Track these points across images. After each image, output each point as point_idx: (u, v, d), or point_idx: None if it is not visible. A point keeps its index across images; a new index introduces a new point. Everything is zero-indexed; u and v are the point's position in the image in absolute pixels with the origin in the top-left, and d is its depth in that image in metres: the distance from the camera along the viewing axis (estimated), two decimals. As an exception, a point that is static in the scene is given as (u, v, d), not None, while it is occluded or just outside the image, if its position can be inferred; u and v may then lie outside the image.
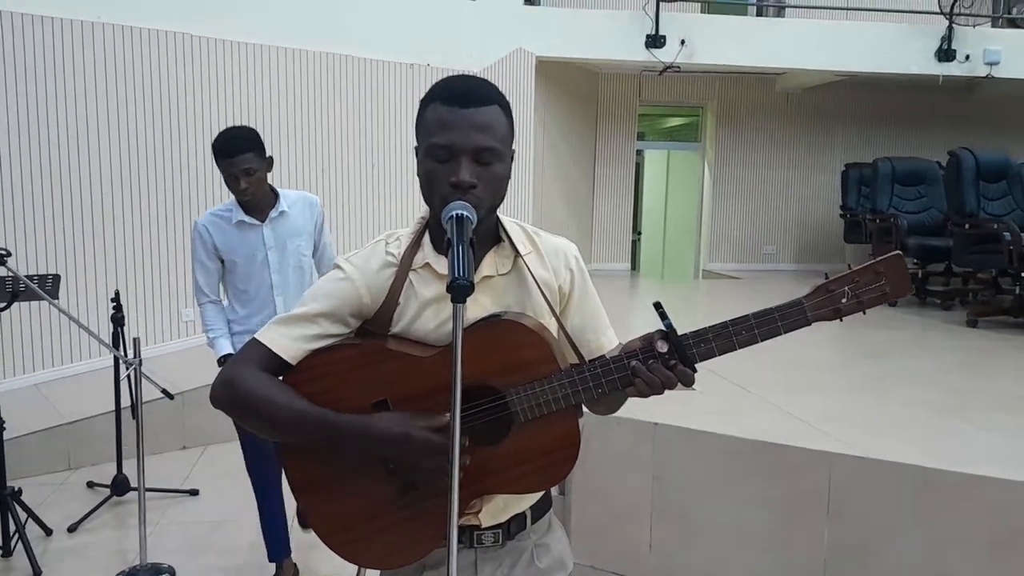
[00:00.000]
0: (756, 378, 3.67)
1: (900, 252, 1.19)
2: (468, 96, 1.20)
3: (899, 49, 7.75)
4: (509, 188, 1.28)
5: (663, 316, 1.19)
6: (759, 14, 8.99)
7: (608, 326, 1.39)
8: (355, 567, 1.46)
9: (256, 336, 1.28)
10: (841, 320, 1.19)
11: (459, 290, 1.02)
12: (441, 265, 1.26)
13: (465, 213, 1.13)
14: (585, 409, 1.32)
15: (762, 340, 1.19)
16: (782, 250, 9.47)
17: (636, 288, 8.34)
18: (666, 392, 1.22)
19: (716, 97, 9.37)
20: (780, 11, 8.83)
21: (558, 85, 7.94)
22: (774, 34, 7.96)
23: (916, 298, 6.53)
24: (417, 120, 1.25)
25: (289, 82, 5.65)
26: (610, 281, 8.30)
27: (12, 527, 3.18)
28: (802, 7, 8.45)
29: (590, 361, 1.25)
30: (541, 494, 1.36)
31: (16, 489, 3.25)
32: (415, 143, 1.27)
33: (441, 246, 1.26)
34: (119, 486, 3.80)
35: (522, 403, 1.21)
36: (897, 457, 2.60)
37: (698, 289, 8.60)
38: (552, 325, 1.30)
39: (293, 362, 1.25)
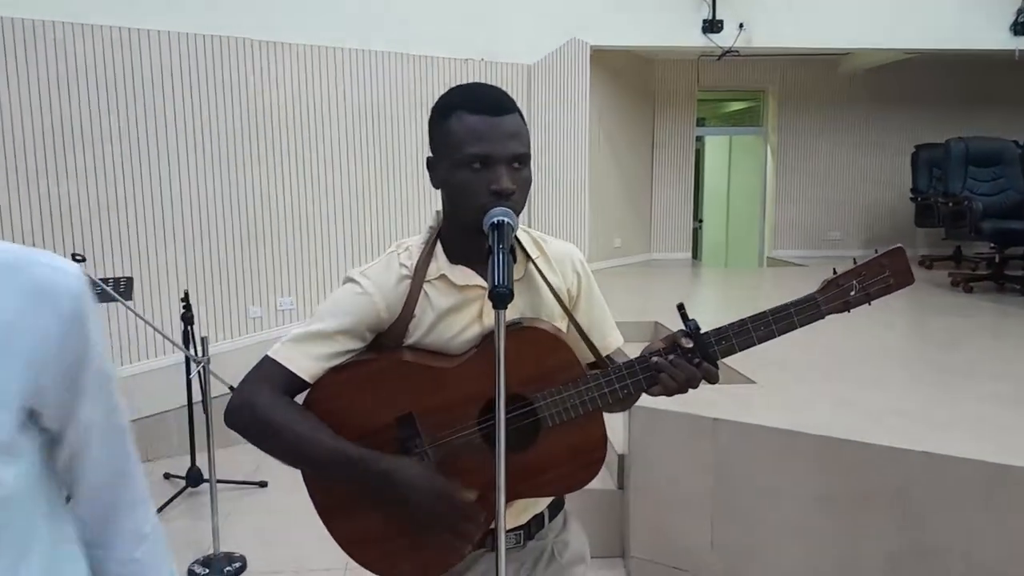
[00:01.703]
0: (819, 369, 3.58)
1: (901, 246, 1.27)
2: (497, 105, 1.22)
3: (970, 23, 7.42)
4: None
5: (684, 317, 1.24)
6: (821, -7, 8.71)
7: (613, 327, 1.43)
8: None
9: (270, 354, 1.25)
10: (849, 312, 1.27)
11: (499, 297, 1.05)
12: (457, 276, 1.27)
13: (507, 220, 1.16)
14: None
15: (779, 335, 1.25)
16: (849, 236, 9.20)
17: (699, 278, 8.22)
18: (690, 390, 1.25)
19: (777, 80, 9.15)
20: (843, -11, 8.55)
21: (614, 74, 7.86)
22: (835, 14, 7.70)
23: (994, 283, 6.27)
24: (436, 130, 1.25)
25: (341, 82, 5.74)
26: (671, 271, 8.20)
27: (94, 518, 3.34)
28: (867, -16, 8.16)
29: (612, 364, 1.28)
30: None
31: (97, 482, 3.41)
32: (429, 154, 1.28)
33: (455, 256, 1.29)
34: (193, 478, 3.96)
35: (550, 408, 1.23)
36: (969, 453, 2.51)
37: (763, 277, 8.42)
38: (565, 327, 1.33)
39: (311, 381, 1.25)
